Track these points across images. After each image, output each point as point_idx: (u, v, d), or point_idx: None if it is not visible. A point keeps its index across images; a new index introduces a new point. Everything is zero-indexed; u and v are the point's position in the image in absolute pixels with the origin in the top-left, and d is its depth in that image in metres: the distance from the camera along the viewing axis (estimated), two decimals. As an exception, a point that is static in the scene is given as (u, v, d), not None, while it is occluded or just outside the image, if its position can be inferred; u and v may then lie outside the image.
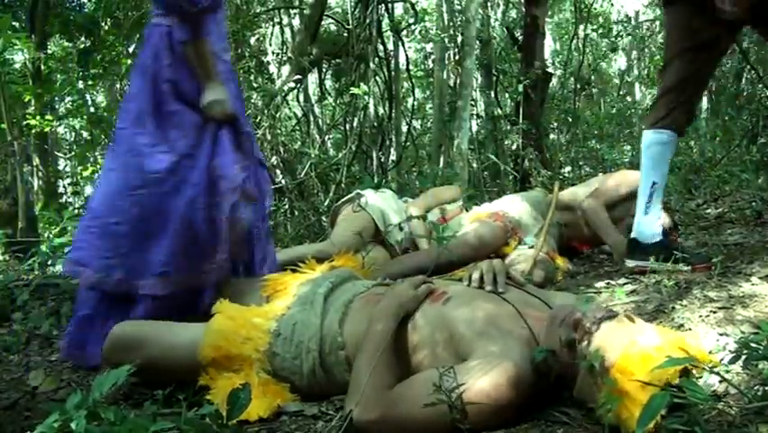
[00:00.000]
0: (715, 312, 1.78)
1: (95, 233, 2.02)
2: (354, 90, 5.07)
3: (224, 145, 2.09)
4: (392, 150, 6.61)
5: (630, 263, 2.41)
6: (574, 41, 7.82)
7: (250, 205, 2.14)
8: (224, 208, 2.03)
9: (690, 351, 1.21)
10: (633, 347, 1.22)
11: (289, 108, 6.52)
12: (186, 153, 2.04)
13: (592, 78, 9.75)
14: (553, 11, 11.75)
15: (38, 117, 5.77)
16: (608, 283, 2.39)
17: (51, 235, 4.57)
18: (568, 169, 6.62)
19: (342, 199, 3.05)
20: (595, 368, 1.23)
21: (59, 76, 6.61)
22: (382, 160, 5.99)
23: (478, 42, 7.43)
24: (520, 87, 5.73)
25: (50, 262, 3.43)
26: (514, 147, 6.36)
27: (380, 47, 5.93)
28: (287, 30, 6.82)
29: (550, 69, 6.96)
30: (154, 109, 2.06)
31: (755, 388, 1.24)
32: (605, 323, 1.30)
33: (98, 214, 2.04)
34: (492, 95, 7.91)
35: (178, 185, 2.02)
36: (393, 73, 6.19)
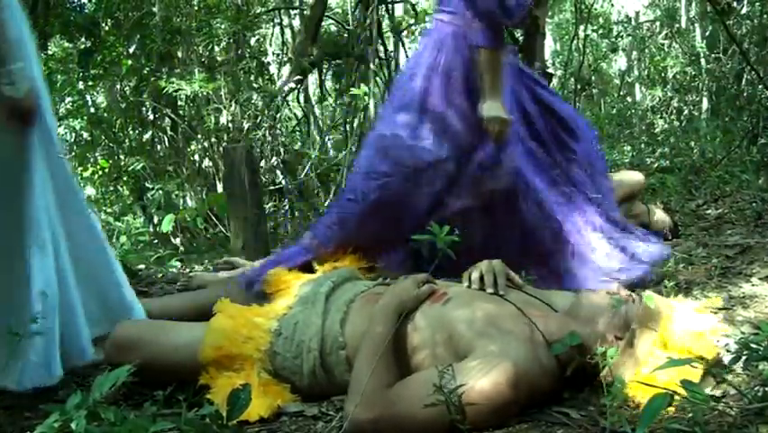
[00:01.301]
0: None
1: (335, 207, 2.15)
2: (355, 91, 5.06)
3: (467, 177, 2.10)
4: (392, 150, 6.60)
5: None
6: (574, 42, 7.81)
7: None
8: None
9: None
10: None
11: (290, 109, 6.51)
12: (443, 158, 2.05)
13: (592, 78, 9.74)
14: (553, 11, 11.74)
15: (38, 118, 5.74)
16: (608, 284, 2.38)
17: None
18: (568, 169, 6.60)
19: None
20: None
21: (59, 76, 6.59)
22: (382, 160, 5.98)
23: (478, 43, 7.41)
24: (520, 88, 5.71)
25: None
26: (514, 148, 6.34)
27: (381, 48, 5.92)
28: (287, 30, 6.82)
29: (550, 70, 6.94)
30: (425, 102, 2.06)
31: (755, 389, 1.24)
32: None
33: (344, 189, 2.17)
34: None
35: (422, 184, 2.05)
36: (393, 74, 6.18)
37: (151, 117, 5.85)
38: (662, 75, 8.29)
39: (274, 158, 5.47)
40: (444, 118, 2.07)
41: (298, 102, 6.39)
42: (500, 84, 2.06)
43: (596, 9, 9.48)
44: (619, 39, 8.93)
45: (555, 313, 1.53)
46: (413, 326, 1.51)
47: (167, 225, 4.59)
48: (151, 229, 5.32)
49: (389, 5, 6.04)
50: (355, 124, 5.72)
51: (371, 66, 5.56)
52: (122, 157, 5.88)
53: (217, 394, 1.51)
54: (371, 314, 1.53)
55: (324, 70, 6.32)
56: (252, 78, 5.81)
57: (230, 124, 5.26)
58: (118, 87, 5.91)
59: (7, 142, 1.65)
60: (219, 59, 5.85)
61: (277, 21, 6.66)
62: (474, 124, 2.07)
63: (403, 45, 6.99)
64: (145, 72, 5.39)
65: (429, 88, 2.07)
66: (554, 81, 8.32)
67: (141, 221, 5.53)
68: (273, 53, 6.76)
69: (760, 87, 5.97)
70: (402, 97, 2.13)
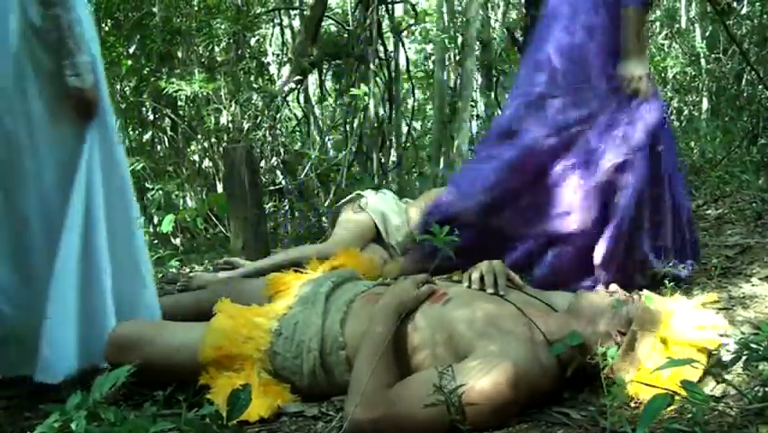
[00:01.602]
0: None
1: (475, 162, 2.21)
2: (354, 91, 5.07)
3: (608, 134, 2.03)
4: (392, 151, 6.61)
5: None
6: (574, 42, 7.80)
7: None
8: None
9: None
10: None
11: (290, 109, 6.51)
12: (570, 123, 2.03)
13: (592, 78, 9.74)
14: (553, 12, 11.72)
15: (38, 118, 5.73)
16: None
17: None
18: (568, 169, 6.59)
19: (343, 200, 3.04)
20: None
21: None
22: (382, 161, 5.99)
23: (478, 43, 7.42)
24: (520, 88, 5.70)
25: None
26: (514, 148, 6.33)
27: (381, 48, 5.92)
28: (287, 31, 6.82)
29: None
30: (558, 61, 2.06)
31: (755, 389, 1.24)
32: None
33: (479, 149, 2.23)
34: (492, 96, 7.91)
35: (551, 148, 2.04)
36: (393, 74, 6.18)
37: (151, 117, 5.85)
38: (663, 75, 8.28)
39: (274, 158, 5.47)
40: (578, 79, 2.04)
41: (298, 102, 6.38)
42: (643, 45, 2.04)
43: (596, 9, 9.46)
44: (619, 39, 8.91)
45: (555, 313, 1.53)
46: (413, 326, 1.51)
47: (167, 225, 4.58)
48: (151, 229, 5.32)
49: (389, 5, 6.04)
50: (355, 125, 5.72)
51: (371, 66, 5.56)
52: (122, 157, 5.87)
53: (217, 394, 1.51)
54: (371, 314, 1.53)
55: (324, 70, 6.32)
56: (252, 78, 5.82)
57: (230, 125, 5.26)
58: (118, 87, 5.90)
59: (69, 138, 1.71)
60: (219, 59, 5.85)
61: (277, 21, 6.66)
62: (610, 86, 2.03)
63: (403, 45, 6.99)
64: (145, 72, 5.39)
65: (563, 49, 2.06)
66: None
67: (140, 221, 5.53)
68: (273, 53, 6.76)
69: (760, 87, 5.97)
70: (536, 58, 2.13)
